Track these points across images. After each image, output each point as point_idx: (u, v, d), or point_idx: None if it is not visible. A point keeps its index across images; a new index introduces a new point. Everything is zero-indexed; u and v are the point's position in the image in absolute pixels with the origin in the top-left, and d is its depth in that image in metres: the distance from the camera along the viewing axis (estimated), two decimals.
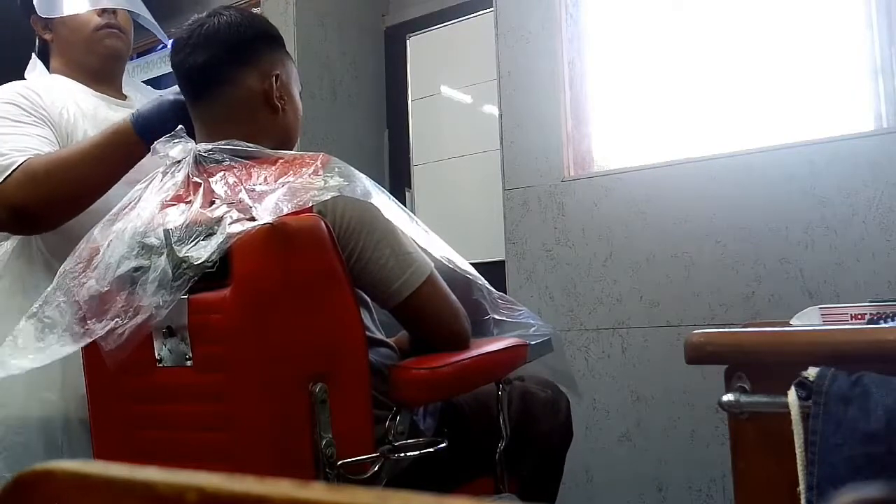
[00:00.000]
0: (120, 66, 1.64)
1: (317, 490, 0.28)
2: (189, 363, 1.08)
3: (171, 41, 1.31)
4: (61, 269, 1.19)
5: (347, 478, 1.05)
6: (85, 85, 1.56)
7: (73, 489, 0.31)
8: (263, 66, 1.26)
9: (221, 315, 1.06)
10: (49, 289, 1.18)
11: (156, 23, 1.65)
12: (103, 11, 1.55)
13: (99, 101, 1.55)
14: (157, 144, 1.25)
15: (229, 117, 1.25)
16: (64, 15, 1.54)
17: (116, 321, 1.07)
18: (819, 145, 2.05)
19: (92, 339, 1.09)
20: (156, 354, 1.11)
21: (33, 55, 1.61)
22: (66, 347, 1.12)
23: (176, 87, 1.36)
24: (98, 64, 1.58)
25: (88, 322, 1.10)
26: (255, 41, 1.27)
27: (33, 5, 1.53)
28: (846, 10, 2.15)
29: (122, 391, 1.17)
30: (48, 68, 1.60)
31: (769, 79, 2.25)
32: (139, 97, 1.65)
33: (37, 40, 1.63)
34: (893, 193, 1.93)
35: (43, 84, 1.51)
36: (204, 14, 1.28)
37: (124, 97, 1.63)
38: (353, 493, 0.27)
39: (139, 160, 1.36)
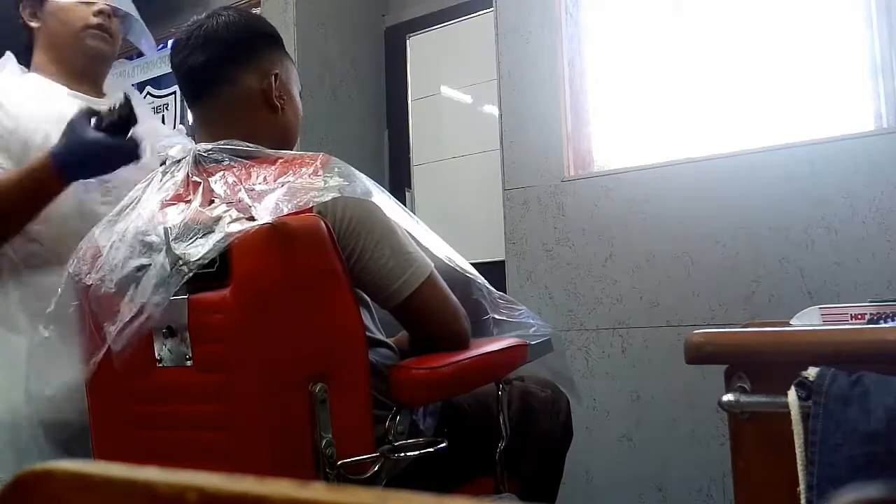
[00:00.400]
0: (104, 68, 1.62)
1: (317, 490, 0.28)
2: (189, 363, 1.08)
3: (171, 41, 1.31)
4: (66, 272, 1.19)
5: (347, 478, 1.05)
6: (62, 82, 1.53)
7: (73, 489, 0.31)
8: (262, 66, 1.27)
9: (221, 315, 1.06)
10: (59, 292, 1.19)
11: (150, 35, 1.64)
12: (100, 12, 1.53)
13: (72, 101, 1.51)
14: (158, 144, 1.25)
15: (229, 117, 1.25)
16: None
17: (124, 321, 1.08)
18: (819, 145, 2.05)
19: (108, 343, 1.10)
20: (156, 354, 1.11)
21: (7, 53, 1.56)
22: (97, 352, 1.13)
23: (85, 113, 1.34)
24: (81, 63, 1.55)
25: (104, 326, 1.10)
26: (253, 41, 1.27)
27: None
28: (846, 9, 2.15)
29: (122, 391, 1.17)
30: (30, 61, 1.56)
31: (769, 79, 2.25)
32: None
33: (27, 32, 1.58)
34: (893, 193, 1.93)
35: (7, 86, 1.48)
36: (203, 15, 1.28)
37: (103, 95, 1.60)
38: (353, 493, 0.27)
39: (58, 194, 1.34)
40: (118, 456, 1.17)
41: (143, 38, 1.69)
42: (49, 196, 1.34)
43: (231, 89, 1.25)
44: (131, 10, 1.61)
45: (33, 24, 1.55)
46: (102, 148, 1.30)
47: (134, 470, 0.31)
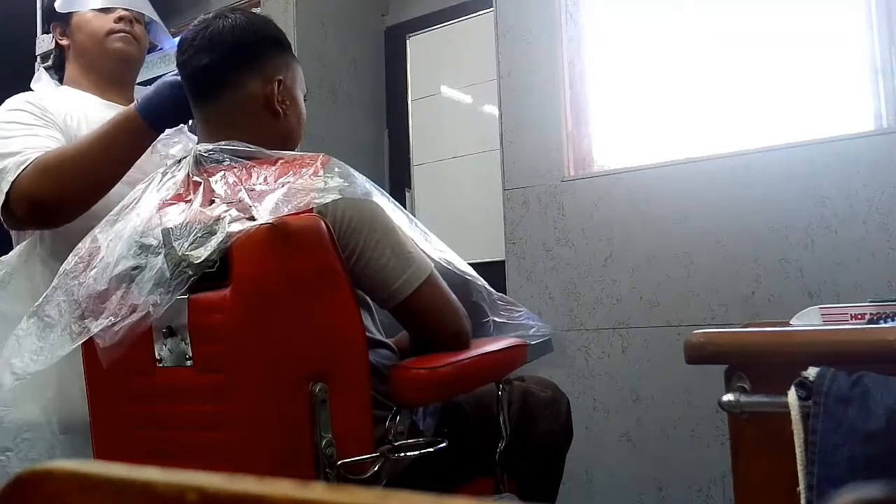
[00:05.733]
0: (131, 72, 1.68)
1: (317, 490, 0.28)
2: (189, 363, 1.08)
3: (177, 39, 1.33)
4: (62, 269, 1.19)
5: (347, 478, 1.05)
6: (94, 94, 1.60)
7: (73, 489, 0.31)
8: (266, 71, 1.26)
9: (221, 315, 1.06)
10: (50, 288, 1.19)
11: (168, 34, 1.71)
12: (120, 18, 1.60)
13: (108, 111, 1.54)
14: (158, 144, 1.25)
15: (230, 120, 1.25)
16: (81, 10, 1.59)
17: (111, 318, 1.07)
18: (819, 145, 2.05)
19: (88, 337, 1.10)
20: (156, 354, 1.11)
21: (40, 69, 1.66)
22: (65, 347, 1.12)
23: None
24: (108, 67, 1.61)
25: (86, 320, 1.10)
26: (258, 45, 1.27)
27: (53, 11, 1.60)
28: (846, 10, 2.15)
29: (122, 391, 1.17)
30: (62, 77, 1.65)
31: (769, 79, 2.25)
32: None
33: (53, 51, 1.69)
34: (893, 193, 1.92)
35: (48, 94, 1.56)
36: (211, 15, 1.28)
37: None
38: (353, 493, 0.27)
39: (148, 145, 1.38)
40: (118, 456, 1.17)
41: (163, 36, 1.77)
42: (134, 146, 1.37)
43: (234, 93, 1.25)
44: (148, 10, 1.68)
45: (63, 42, 1.64)
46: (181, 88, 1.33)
47: (134, 470, 0.31)
